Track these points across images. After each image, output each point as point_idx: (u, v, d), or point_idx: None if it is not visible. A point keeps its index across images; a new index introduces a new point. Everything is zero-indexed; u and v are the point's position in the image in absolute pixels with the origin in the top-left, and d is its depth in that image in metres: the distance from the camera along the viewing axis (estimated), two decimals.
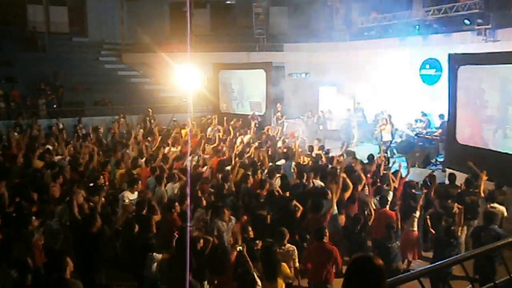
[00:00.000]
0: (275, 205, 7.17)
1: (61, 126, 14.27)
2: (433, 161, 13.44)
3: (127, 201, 7.11)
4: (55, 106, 16.56)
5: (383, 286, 2.41)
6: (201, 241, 5.58)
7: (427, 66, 15.04)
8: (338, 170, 8.00)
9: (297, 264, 5.78)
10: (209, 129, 14.08)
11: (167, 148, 10.74)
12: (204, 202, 6.97)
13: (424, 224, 7.11)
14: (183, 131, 12.76)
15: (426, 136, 14.08)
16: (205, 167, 9.19)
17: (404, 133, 15.07)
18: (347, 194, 7.59)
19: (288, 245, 5.79)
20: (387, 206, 7.20)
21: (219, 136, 12.14)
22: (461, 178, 8.74)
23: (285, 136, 13.61)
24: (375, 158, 9.92)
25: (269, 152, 10.66)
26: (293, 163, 9.40)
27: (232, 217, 6.37)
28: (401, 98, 15.39)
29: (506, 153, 9.38)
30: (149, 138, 11.98)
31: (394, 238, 6.48)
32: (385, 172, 8.75)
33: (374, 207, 7.31)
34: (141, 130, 13.33)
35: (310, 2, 17.76)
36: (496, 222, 6.48)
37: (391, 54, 15.74)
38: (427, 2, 15.34)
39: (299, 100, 16.56)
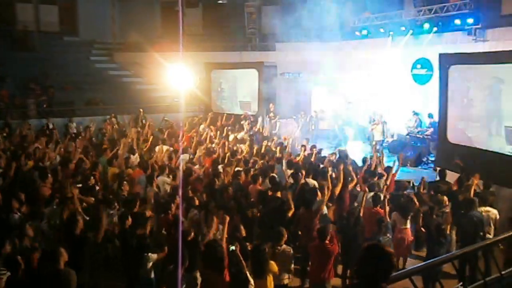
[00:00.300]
0: (267, 204, 7.16)
1: (51, 126, 14.16)
2: (424, 160, 13.54)
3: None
4: (45, 106, 16.38)
5: (392, 272, 2.64)
6: (192, 233, 5.70)
7: (419, 66, 15.14)
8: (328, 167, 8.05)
9: (291, 266, 5.80)
10: (202, 126, 14.06)
11: (157, 147, 10.71)
12: (197, 202, 6.94)
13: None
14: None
15: (418, 136, 14.18)
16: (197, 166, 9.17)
17: (396, 133, 15.17)
18: (337, 189, 7.63)
19: (285, 245, 5.79)
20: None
21: (210, 136, 12.13)
22: (452, 177, 8.81)
23: (278, 136, 13.61)
24: (368, 156, 10.00)
25: (262, 150, 10.69)
26: (284, 162, 9.42)
27: (220, 225, 6.35)
28: (393, 98, 15.47)
29: (497, 152, 9.47)
30: (140, 138, 11.93)
31: (385, 232, 6.49)
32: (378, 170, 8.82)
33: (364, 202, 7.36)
34: (133, 129, 13.25)
35: (302, 2, 17.76)
36: (476, 208, 6.70)
37: (383, 53, 15.83)
38: (418, 2, 15.43)
39: (292, 100, 16.58)
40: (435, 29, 14.57)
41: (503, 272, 4.97)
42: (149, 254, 5.54)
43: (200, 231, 6.18)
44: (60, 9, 21.04)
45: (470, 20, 13.44)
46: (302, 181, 8.05)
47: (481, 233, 6.60)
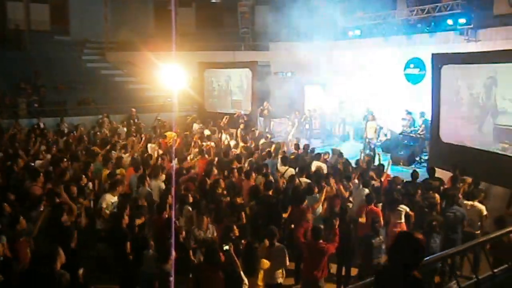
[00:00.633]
0: (260, 202, 7.15)
1: (42, 125, 14.02)
2: (417, 159, 13.60)
3: (104, 205, 6.94)
4: (36, 105, 16.22)
5: (423, 258, 2.89)
6: (183, 232, 5.76)
7: (412, 66, 15.22)
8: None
9: (287, 263, 5.82)
10: (195, 125, 14.00)
11: (150, 146, 10.65)
12: (191, 199, 6.93)
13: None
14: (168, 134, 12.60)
15: (411, 135, 14.25)
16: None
17: (389, 132, 15.23)
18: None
19: (278, 244, 5.80)
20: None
21: (204, 135, 12.09)
22: (445, 176, 8.85)
23: (272, 135, 13.62)
24: (362, 155, 10.05)
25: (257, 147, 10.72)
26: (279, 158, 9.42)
27: (211, 226, 6.31)
28: (386, 97, 15.53)
29: (488, 151, 9.53)
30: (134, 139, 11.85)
31: (378, 233, 6.49)
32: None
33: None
34: (124, 129, 13.18)
35: (295, 1, 17.76)
36: (457, 202, 6.95)
37: (376, 53, 15.88)
38: (411, 2, 15.51)
39: (285, 99, 16.57)
40: (427, 29, 14.65)
41: (495, 270, 5.00)
42: (150, 250, 5.60)
43: (191, 229, 6.22)
44: (51, 8, 20.84)
45: (462, 20, 13.53)
46: (296, 181, 8.05)
47: (461, 228, 6.79)
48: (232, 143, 11.68)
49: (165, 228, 6.02)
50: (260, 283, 5.38)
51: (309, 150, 10.84)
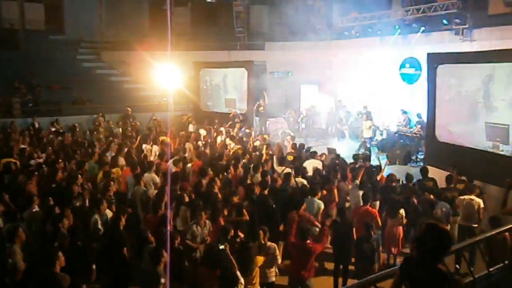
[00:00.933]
0: (256, 202, 7.14)
1: (36, 125, 13.93)
2: (413, 158, 13.65)
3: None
4: (30, 105, 16.12)
5: (450, 248, 2.94)
6: (178, 237, 5.78)
7: (407, 65, 15.25)
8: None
9: (279, 261, 5.84)
10: (190, 126, 13.96)
11: (144, 146, 10.61)
12: (187, 198, 6.91)
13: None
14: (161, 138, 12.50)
15: (407, 134, 14.29)
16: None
17: (385, 131, 15.26)
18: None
19: (269, 243, 5.81)
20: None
21: (199, 136, 12.06)
22: (440, 174, 8.89)
23: (268, 134, 13.60)
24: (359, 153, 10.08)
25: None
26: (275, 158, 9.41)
27: (207, 221, 6.31)
28: (382, 97, 15.57)
29: (484, 150, 9.57)
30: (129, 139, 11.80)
31: (370, 239, 6.44)
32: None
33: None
34: (120, 130, 13.12)
35: (291, 1, 17.79)
36: (428, 190, 7.18)
37: (372, 53, 15.91)
38: (406, 1, 15.56)
39: (281, 98, 16.58)
40: (422, 28, 14.69)
41: (491, 269, 5.01)
42: (150, 246, 5.62)
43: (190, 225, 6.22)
44: (46, 7, 20.70)
45: (457, 20, 13.59)
46: (292, 181, 8.03)
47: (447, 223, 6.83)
48: (228, 141, 11.65)
49: (159, 227, 6.00)
50: (255, 281, 5.42)
51: (304, 149, 10.83)
